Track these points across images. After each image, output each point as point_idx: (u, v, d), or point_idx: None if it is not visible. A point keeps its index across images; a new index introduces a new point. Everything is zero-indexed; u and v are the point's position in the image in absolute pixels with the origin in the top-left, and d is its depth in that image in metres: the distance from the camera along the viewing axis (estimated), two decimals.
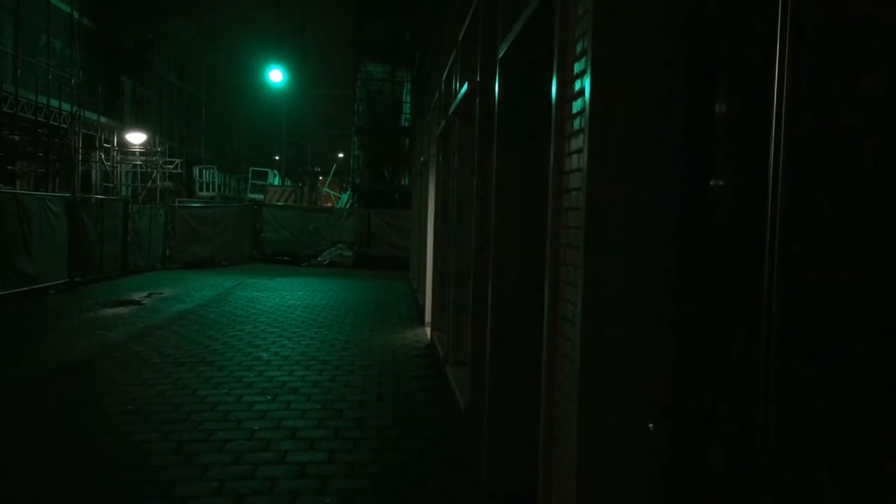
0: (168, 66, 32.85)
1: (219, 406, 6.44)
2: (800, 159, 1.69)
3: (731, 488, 2.05)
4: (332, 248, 22.82)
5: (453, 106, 7.07)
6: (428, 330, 10.26)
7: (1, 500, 4.45)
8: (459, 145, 6.92)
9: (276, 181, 35.29)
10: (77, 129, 19.97)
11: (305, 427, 5.89)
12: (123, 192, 23.43)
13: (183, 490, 4.55)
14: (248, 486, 4.64)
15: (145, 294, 14.17)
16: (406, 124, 27.01)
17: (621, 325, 2.48)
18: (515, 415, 4.32)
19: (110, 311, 12.02)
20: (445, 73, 8.47)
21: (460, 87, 6.59)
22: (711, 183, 2.31)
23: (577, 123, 2.71)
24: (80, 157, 20.46)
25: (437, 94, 9.89)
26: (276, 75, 34.56)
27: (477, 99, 5.40)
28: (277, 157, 40.11)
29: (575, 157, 2.73)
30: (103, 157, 22.57)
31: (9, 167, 19.86)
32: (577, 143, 2.68)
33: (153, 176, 24.15)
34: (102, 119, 22.17)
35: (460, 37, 6.72)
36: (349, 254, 22.65)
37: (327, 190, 40.31)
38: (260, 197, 29.03)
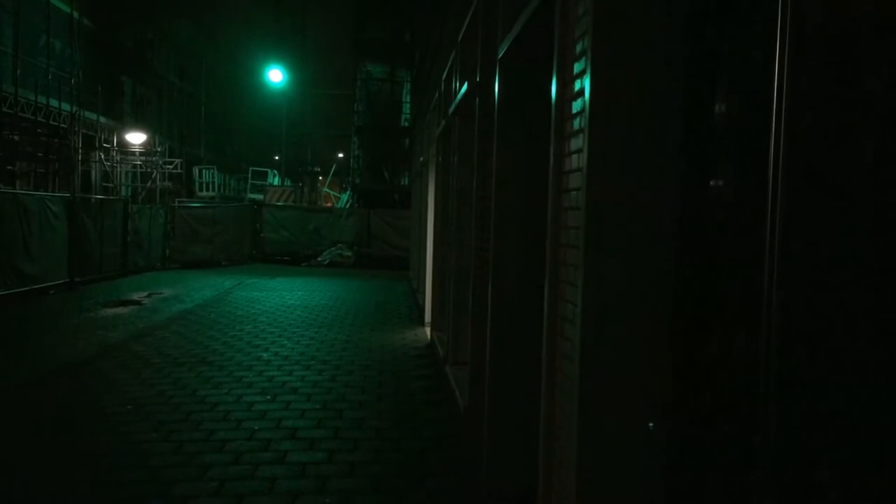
0: (168, 66, 32.85)
1: (219, 406, 6.44)
2: (800, 159, 1.69)
3: (732, 488, 2.05)
4: (332, 248, 22.81)
5: (453, 106, 7.06)
6: (428, 330, 10.26)
7: (1, 500, 4.45)
8: (459, 145, 6.92)
9: (276, 181, 35.29)
10: (77, 129, 19.97)
11: (305, 427, 5.89)
12: (123, 192, 23.42)
13: (183, 490, 4.55)
14: (248, 486, 4.64)
15: (145, 294, 14.17)
16: (406, 124, 27.01)
17: (621, 325, 2.48)
18: (515, 415, 4.32)
19: (110, 311, 12.02)
20: (445, 73, 8.47)
21: (460, 87, 6.59)
22: (711, 183, 2.31)
23: (576, 123, 2.71)
24: (79, 157, 20.45)
25: (436, 94, 9.89)
26: (275, 75, 34.55)
27: (477, 99, 5.40)
28: (277, 157, 40.11)
29: (575, 157, 2.73)
30: (103, 157, 22.56)
31: (8, 167, 19.86)
32: (577, 143, 2.68)
33: (153, 176, 24.15)
34: (102, 119, 22.17)
35: (460, 37, 6.72)
36: (349, 254, 22.64)
37: (327, 190, 40.31)
38: (260, 197, 29.03)
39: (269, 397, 6.76)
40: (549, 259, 3.06)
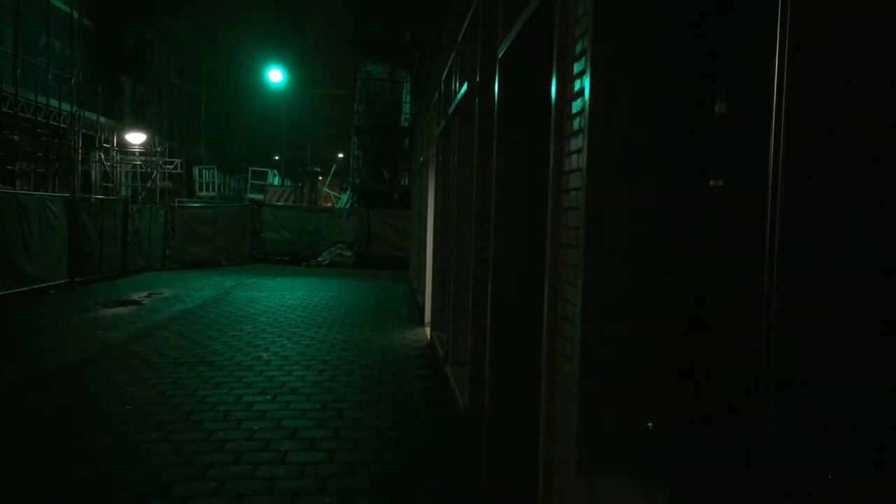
0: (168, 66, 32.85)
1: (219, 406, 6.44)
2: (800, 159, 1.69)
3: (732, 488, 2.05)
4: (332, 248, 22.81)
5: (453, 106, 7.06)
6: (428, 330, 10.26)
7: (1, 500, 4.45)
8: (459, 145, 6.92)
9: (276, 181, 35.29)
10: (77, 129, 19.97)
11: (305, 427, 5.89)
12: (123, 192, 23.42)
13: (183, 490, 4.55)
14: (248, 486, 4.64)
15: (145, 294, 14.17)
16: (406, 124, 27.01)
17: (621, 325, 2.48)
18: (515, 415, 4.31)
19: (110, 311, 12.02)
20: (445, 73, 8.47)
21: (460, 87, 6.59)
22: (711, 183, 2.30)
23: (576, 123, 2.71)
24: (79, 157, 20.45)
25: (436, 94, 9.89)
26: (275, 75, 34.56)
27: (477, 99, 5.40)
28: (277, 157, 40.11)
29: (575, 157, 2.73)
30: (103, 157, 22.56)
31: (8, 167, 19.85)
32: (577, 143, 2.68)
33: (153, 176, 24.15)
34: (102, 119, 22.16)
35: (460, 37, 6.72)
36: (349, 254, 22.64)
37: (327, 190, 40.31)
38: (260, 197, 29.03)
39: (269, 397, 6.76)
40: (549, 259, 3.06)
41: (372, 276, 19.35)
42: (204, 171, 31.72)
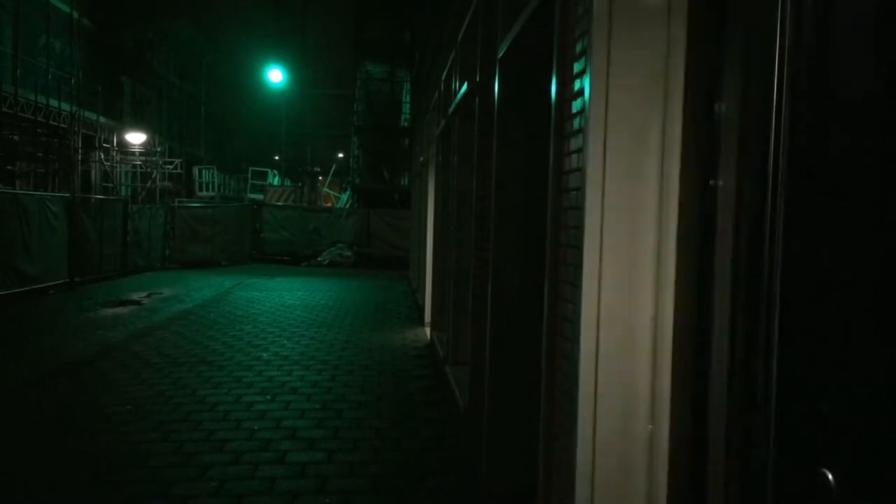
0: (168, 66, 32.85)
1: (218, 406, 6.44)
2: (800, 159, 1.69)
3: (732, 488, 2.05)
4: (332, 248, 22.82)
5: (453, 106, 7.06)
6: (428, 330, 10.26)
7: (1, 500, 4.45)
8: (459, 145, 6.92)
9: (276, 181, 35.30)
10: (76, 129, 19.97)
11: (305, 427, 5.89)
12: (123, 192, 23.42)
13: (182, 490, 4.55)
14: (248, 486, 4.64)
15: (145, 294, 14.17)
16: (406, 124, 27.01)
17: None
18: (515, 415, 4.31)
19: (110, 311, 12.02)
20: (445, 72, 8.47)
21: (460, 86, 6.59)
22: (711, 183, 2.30)
23: (576, 123, 2.70)
24: (79, 157, 20.46)
25: (436, 94, 9.89)
26: (275, 75, 34.57)
27: (477, 99, 5.40)
28: (277, 157, 40.11)
29: (575, 156, 2.72)
30: (103, 157, 22.56)
31: (8, 167, 19.85)
32: (577, 142, 2.67)
33: (153, 176, 24.15)
34: (102, 119, 22.16)
35: (460, 37, 6.71)
36: (349, 254, 22.65)
37: (327, 190, 40.32)
38: (260, 197, 29.03)
39: (268, 397, 6.76)
40: (549, 259, 3.05)
41: (372, 276, 19.35)
42: (204, 171, 31.72)
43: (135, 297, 13.72)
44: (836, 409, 1.60)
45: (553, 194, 3.02)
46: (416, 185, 16.39)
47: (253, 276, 18.46)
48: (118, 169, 23.82)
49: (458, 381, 6.46)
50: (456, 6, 7.11)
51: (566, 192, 2.85)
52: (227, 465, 4.98)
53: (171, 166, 25.27)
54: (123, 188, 24.17)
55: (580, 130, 2.62)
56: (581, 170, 2.58)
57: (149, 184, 23.96)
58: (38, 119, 18.19)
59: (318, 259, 22.55)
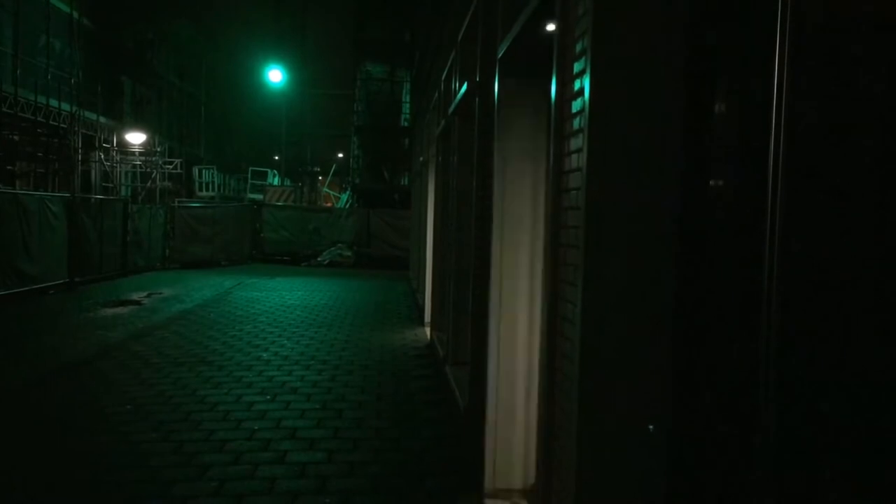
0: (168, 66, 32.83)
1: (218, 406, 6.43)
2: (800, 159, 1.69)
3: (732, 489, 2.05)
4: (332, 248, 22.81)
5: (453, 106, 7.06)
6: (427, 330, 10.26)
7: (1, 500, 4.45)
8: (459, 145, 6.92)
9: (276, 181, 35.27)
10: (76, 129, 19.96)
11: (305, 427, 5.89)
12: (123, 192, 23.40)
13: (182, 490, 4.55)
14: (248, 486, 4.63)
15: (145, 294, 14.16)
16: (406, 124, 27.01)
17: (621, 325, 2.48)
18: (515, 415, 4.31)
19: (110, 311, 12.02)
20: (445, 72, 8.46)
21: (460, 86, 6.58)
22: (711, 183, 2.30)
23: (576, 123, 2.71)
24: (79, 157, 20.45)
25: (436, 94, 9.89)
26: (275, 75, 34.54)
27: (476, 99, 5.40)
28: (277, 157, 40.09)
29: (574, 156, 2.73)
30: (103, 157, 22.55)
31: (8, 167, 19.85)
32: (577, 142, 2.67)
33: (153, 176, 24.13)
34: (102, 119, 22.15)
35: (460, 37, 6.71)
36: (349, 254, 22.64)
37: (327, 190, 40.31)
38: (259, 197, 29.01)
39: (268, 397, 6.76)
40: (549, 259, 3.05)
41: (372, 276, 19.35)
42: (204, 170, 31.69)
43: (135, 297, 13.71)
44: (836, 408, 1.60)
45: (553, 194, 3.02)
46: (416, 185, 16.38)
47: (253, 276, 18.46)
48: (118, 169, 23.80)
49: (458, 381, 6.46)
50: (456, 6, 7.11)
51: (566, 192, 2.85)
52: (227, 465, 4.98)
53: (171, 166, 25.26)
54: (123, 188, 24.15)
55: (580, 130, 2.62)
56: (581, 169, 2.58)
57: (149, 184, 23.94)
58: (38, 119, 18.18)
59: (318, 259, 22.55)
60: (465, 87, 6.13)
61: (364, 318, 12.04)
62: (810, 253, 1.68)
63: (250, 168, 35.98)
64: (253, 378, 7.47)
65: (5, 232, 12.45)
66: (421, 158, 13.83)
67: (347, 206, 28.26)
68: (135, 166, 24.56)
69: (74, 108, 19.64)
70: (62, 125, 19.44)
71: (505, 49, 4.26)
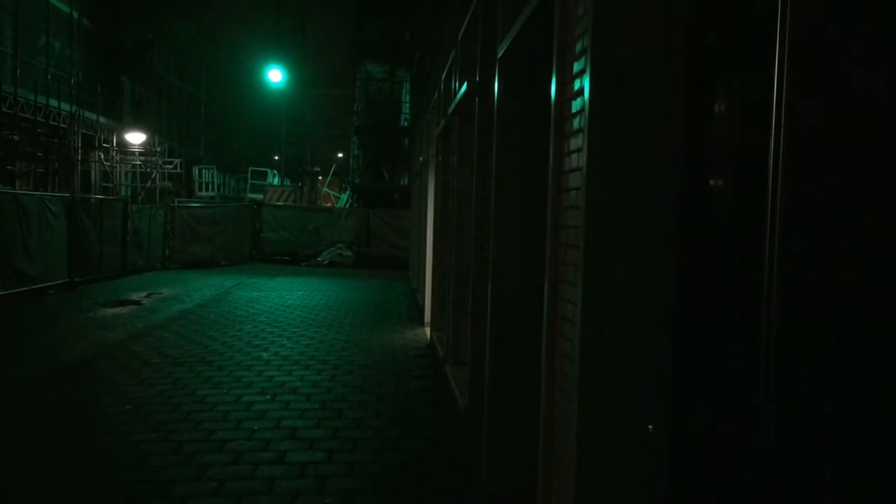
0: (168, 66, 32.83)
1: (218, 406, 6.43)
2: (800, 159, 1.69)
3: (732, 489, 2.05)
4: (332, 248, 22.81)
5: (453, 106, 7.06)
6: (427, 330, 10.26)
7: (1, 500, 4.44)
8: (459, 145, 6.92)
9: (276, 181, 35.27)
10: (76, 129, 19.96)
11: (305, 427, 5.89)
12: (123, 192, 23.40)
13: (182, 490, 4.55)
14: (248, 486, 4.63)
15: (145, 294, 14.16)
16: (405, 124, 27.02)
17: (621, 325, 2.48)
18: (515, 415, 4.31)
19: (110, 311, 12.02)
20: (445, 72, 8.46)
21: (460, 86, 6.58)
22: (711, 182, 2.30)
23: (576, 123, 2.71)
24: (79, 157, 20.45)
25: (436, 94, 9.89)
26: (275, 75, 34.54)
27: (476, 99, 5.40)
28: (277, 157, 40.10)
29: (574, 156, 2.72)
30: (102, 157, 22.55)
31: (8, 167, 19.85)
32: (577, 142, 2.67)
33: (153, 176, 24.14)
34: (102, 119, 22.16)
35: (460, 36, 6.71)
36: (349, 254, 22.64)
37: (327, 190, 40.32)
38: (259, 197, 29.01)
39: (268, 397, 6.76)
40: (549, 259, 3.05)
41: (371, 276, 19.35)
42: (204, 170, 31.70)
43: (134, 297, 13.71)
44: (836, 408, 1.59)
45: (553, 194, 3.02)
46: (416, 185, 16.38)
47: (253, 276, 18.46)
48: (118, 169, 23.80)
49: (458, 381, 6.46)
50: (456, 6, 7.11)
51: (566, 192, 2.85)
52: (226, 465, 4.98)
53: (170, 166, 25.26)
54: (123, 188, 24.15)
55: (580, 130, 2.62)
56: (581, 169, 2.58)
57: (149, 184, 23.94)
58: (38, 119, 18.18)
59: (318, 259, 22.55)
60: (464, 86, 6.13)
61: (364, 317, 12.04)
62: (810, 253, 1.68)
63: (250, 168, 35.98)
64: (253, 378, 7.47)
65: (5, 232, 12.44)
66: (421, 158, 13.83)
67: (347, 206, 28.26)
68: (135, 166, 24.56)
69: (74, 108, 19.64)
70: (62, 125, 19.44)
71: (505, 49, 4.26)
